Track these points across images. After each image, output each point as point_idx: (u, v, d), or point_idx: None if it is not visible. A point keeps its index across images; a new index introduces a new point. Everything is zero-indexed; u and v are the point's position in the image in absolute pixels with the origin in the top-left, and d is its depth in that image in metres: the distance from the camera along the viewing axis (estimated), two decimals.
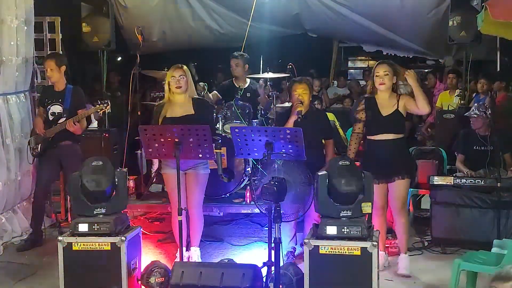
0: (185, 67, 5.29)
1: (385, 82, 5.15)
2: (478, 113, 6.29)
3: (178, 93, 5.23)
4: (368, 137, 5.28)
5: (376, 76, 5.18)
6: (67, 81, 6.19)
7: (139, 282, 4.66)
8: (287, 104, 6.31)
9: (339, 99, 10.75)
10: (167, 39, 8.90)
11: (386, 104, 5.19)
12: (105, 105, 5.87)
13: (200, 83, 6.47)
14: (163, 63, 7.19)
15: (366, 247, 4.10)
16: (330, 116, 7.33)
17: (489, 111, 6.30)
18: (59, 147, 6.05)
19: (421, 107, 5.12)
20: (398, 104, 5.16)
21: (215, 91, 6.87)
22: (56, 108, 6.06)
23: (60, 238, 4.45)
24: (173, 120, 5.14)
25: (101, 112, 6.01)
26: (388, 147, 5.16)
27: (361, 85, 10.90)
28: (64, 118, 5.97)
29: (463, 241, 5.76)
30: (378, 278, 4.19)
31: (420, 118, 8.94)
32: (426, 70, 11.56)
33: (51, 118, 6.05)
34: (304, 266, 4.20)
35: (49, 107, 6.07)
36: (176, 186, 4.87)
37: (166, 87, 5.28)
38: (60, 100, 6.05)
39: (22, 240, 6.29)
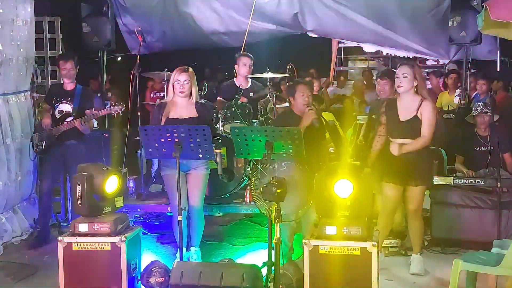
0: (190, 69, 5.24)
1: (402, 85, 5.03)
2: (486, 110, 6.26)
3: (181, 97, 5.22)
4: (390, 138, 5.17)
5: (396, 78, 5.09)
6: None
7: (139, 282, 4.66)
8: (286, 104, 6.31)
9: (339, 99, 10.74)
10: (167, 39, 8.91)
11: (406, 108, 5.07)
12: (120, 106, 5.89)
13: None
14: (163, 63, 7.18)
15: (366, 247, 4.11)
16: (330, 116, 7.33)
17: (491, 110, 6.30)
18: (64, 145, 6.05)
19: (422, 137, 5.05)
20: (418, 110, 5.02)
21: (219, 98, 6.85)
22: (64, 107, 6.07)
23: (60, 238, 4.45)
24: (178, 122, 5.12)
25: (116, 114, 6.01)
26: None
27: (365, 84, 10.89)
28: (72, 117, 5.98)
29: (463, 241, 5.76)
30: (378, 278, 4.20)
31: None
32: (426, 71, 11.55)
33: (58, 116, 6.06)
34: (304, 266, 4.19)
35: (56, 104, 6.08)
36: (176, 187, 4.87)
37: (170, 87, 5.27)
38: (70, 99, 6.07)
39: (31, 237, 6.29)
